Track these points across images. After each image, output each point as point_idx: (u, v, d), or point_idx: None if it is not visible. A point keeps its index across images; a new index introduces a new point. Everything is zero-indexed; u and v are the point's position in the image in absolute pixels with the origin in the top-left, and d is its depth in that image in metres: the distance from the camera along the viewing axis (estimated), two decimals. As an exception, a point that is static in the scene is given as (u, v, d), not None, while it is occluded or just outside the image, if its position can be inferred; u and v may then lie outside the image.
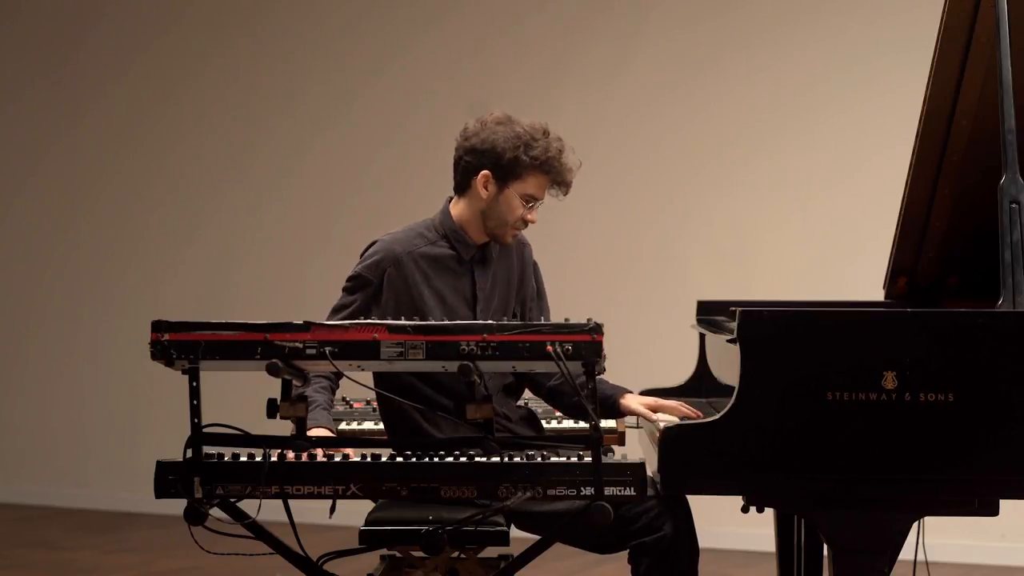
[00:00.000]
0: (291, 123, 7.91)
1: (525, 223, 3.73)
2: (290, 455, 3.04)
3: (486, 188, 3.68)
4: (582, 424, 4.15)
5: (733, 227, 7.09)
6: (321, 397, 3.64)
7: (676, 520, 3.48)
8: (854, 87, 6.90)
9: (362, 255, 3.77)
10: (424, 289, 3.69)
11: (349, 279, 3.74)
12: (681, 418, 3.68)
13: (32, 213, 8.35)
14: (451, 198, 3.80)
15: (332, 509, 3.25)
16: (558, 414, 4.22)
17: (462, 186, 3.74)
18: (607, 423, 4.09)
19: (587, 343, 2.94)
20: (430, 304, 3.67)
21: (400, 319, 3.52)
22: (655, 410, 3.79)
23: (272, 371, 2.97)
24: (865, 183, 6.77)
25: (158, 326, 2.97)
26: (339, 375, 3.65)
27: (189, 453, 3.00)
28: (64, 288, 8.26)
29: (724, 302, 4.02)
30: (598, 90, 7.34)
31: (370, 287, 3.69)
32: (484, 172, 3.67)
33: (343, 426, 4.24)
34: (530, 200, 3.69)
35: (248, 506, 3.05)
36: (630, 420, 4.14)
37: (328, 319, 3.66)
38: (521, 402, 4.09)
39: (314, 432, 3.51)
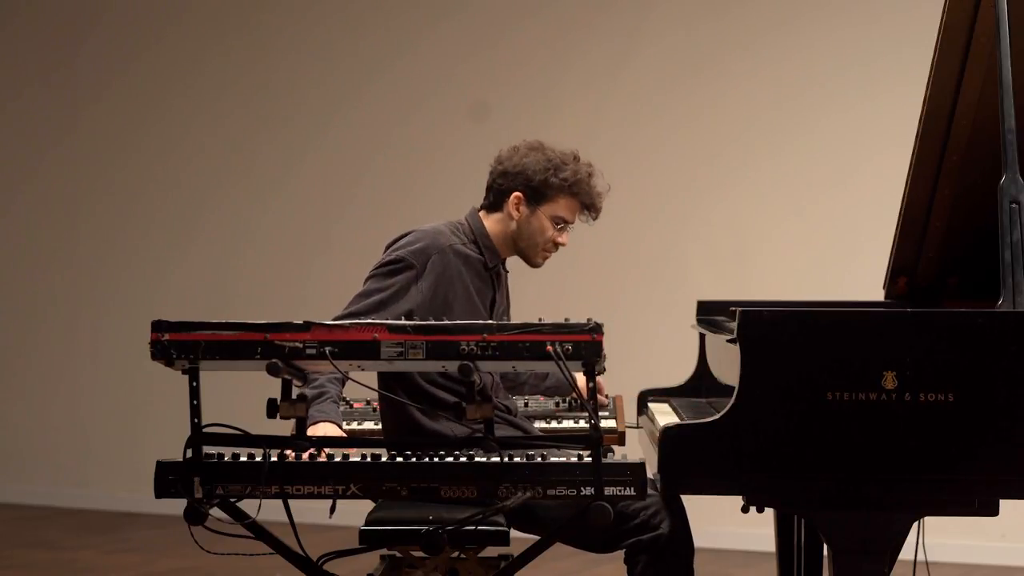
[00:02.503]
0: (291, 123, 7.91)
1: (556, 246, 3.84)
2: (290, 455, 3.04)
3: (518, 210, 3.79)
4: (582, 424, 4.15)
5: (733, 227, 7.10)
6: (333, 389, 3.65)
7: (673, 519, 3.49)
8: (854, 87, 6.90)
9: (393, 245, 3.78)
10: (457, 285, 3.74)
11: (388, 263, 3.73)
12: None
13: (32, 213, 8.35)
14: (476, 208, 3.87)
15: (332, 509, 3.25)
16: (558, 414, 4.23)
17: (494, 206, 3.84)
18: (607, 423, 4.09)
19: (587, 343, 2.94)
20: (460, 300, 3.72)
21: (424, 310, 3.56)
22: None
23: (272, 371, 2.97)
24: (865, 183, 6.77)
25: (158, 326, 2.97)
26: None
27: (189, 453, 3.00)
28: (64, 288, 8.26)
29: (724, 302, 4.02)
30: (598, 90, 7.34)
31: (413, 271, 3.71)
32: (516, 194, 3.78)
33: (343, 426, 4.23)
34: (560, 222, 3.81)
35: (248, 506, 3.04)
36: (630, 420, 4.15)
37: (350, 306, 3.66)
38: (521, 401, 4.10)
39: (322, 427, 3.53)
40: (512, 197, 3.79)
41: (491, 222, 3.84)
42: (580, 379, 3.80)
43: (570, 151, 3.82)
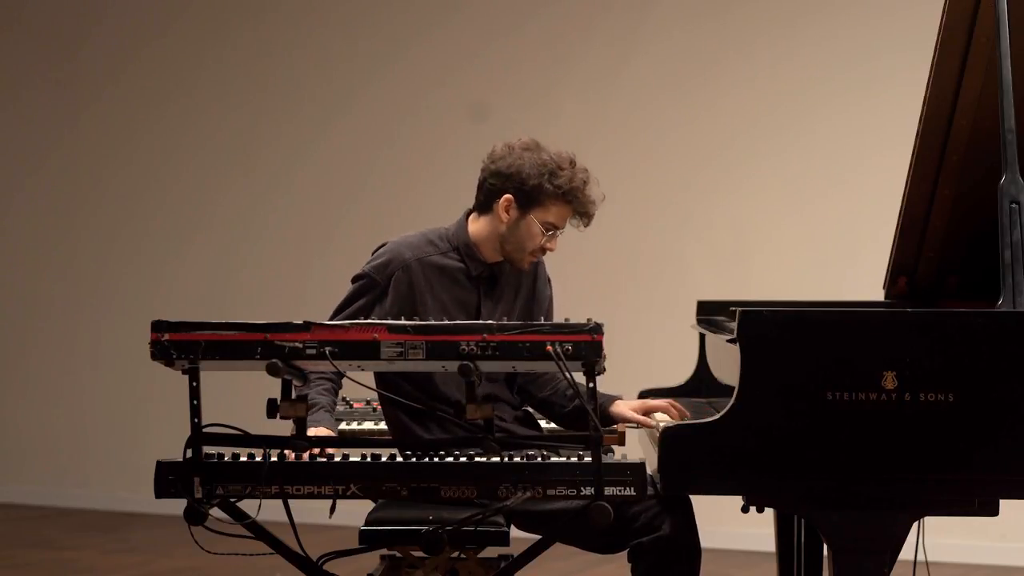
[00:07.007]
0: (292, 123, 7.91)
1: (544, 251, 3.74)
2: (290, 455, 3.04)
3: (507, 212, 3.69)
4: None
5: (733, 227, 7.09)
6: (324, 399, 3.62)
7: (675, 520, 3.47)
8: (854, 87, 6.90)
9: (372, 255, 3.77)
10: (428, 297, 3.69)
11: (355, 278, 3.73)
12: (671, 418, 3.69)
13: (33, 213, 8.35)
14: (468, 212, 3.80)
15: (332, 509, 3.25)
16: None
17: (484, 207, 3.74)
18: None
19: (587, 343, 2.95)
20: (432, 313, 3.65)
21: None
22: (645, 412, 3.78)
23: (272, 371, 2.97)
24: (865, 183, 6.77)
25: (158, 326, 2.98)
26: (340, 376, 3.65)
27: (189, 453, 3.00)
28: (65, 288, 8.26)
29: (724, 302, 4.03)
30: (598, 91, 7.34)
31: (376, 288, 3.69)
32: (507, 196, 3.68)
33: (343, 426, 4.23)
34: (550, 228, 3.70)
35: (248, 506, 3.05)
36: (630, 420, 4.13)
37: (331, 317, 3.67)
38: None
39: (314, 432, 3.51)
40: (503, 199, 3.68)
41: (479, 225, 3.75)
42: (628, 404, 3.79)
43: (566, 154, 3.70)
